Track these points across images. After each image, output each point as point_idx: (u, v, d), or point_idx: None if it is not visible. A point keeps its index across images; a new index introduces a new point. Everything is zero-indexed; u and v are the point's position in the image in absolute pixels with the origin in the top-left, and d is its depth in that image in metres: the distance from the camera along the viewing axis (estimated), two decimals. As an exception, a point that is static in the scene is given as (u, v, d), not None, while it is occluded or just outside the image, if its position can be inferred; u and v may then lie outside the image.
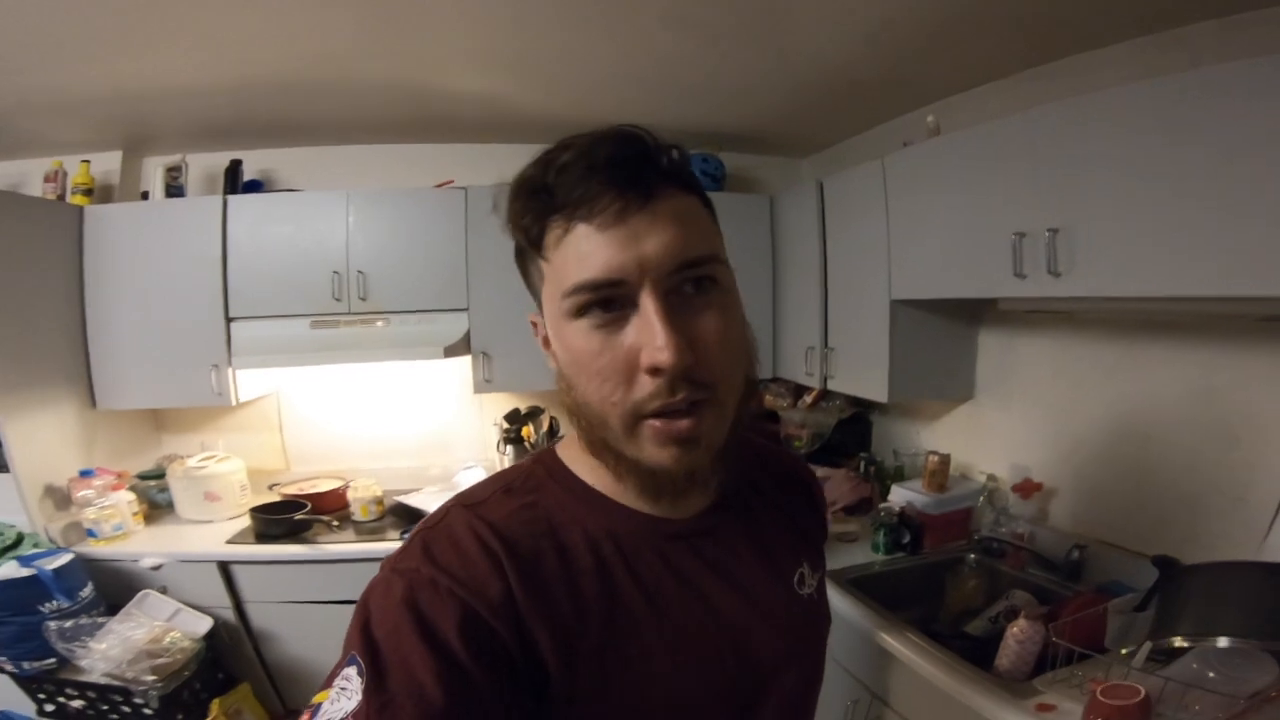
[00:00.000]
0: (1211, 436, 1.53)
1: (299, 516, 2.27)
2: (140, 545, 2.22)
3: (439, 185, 2.49)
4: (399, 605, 0.50)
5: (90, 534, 2.16)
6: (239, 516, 2.41)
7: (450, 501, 0.60)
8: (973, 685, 1.33)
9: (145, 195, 2.51)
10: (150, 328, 2.36)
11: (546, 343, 0.60)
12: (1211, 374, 1.53)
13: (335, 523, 2.32)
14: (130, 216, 2.38)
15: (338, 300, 2.40)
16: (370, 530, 2.34)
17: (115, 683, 1.84)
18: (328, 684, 0.50)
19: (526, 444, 2.63)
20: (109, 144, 2.47)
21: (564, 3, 1.58)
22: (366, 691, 0.46)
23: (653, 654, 0.56)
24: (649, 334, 0.49)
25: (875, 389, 2.10)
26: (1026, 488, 1.91)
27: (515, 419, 2.65)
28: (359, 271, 2.40)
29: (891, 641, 1.54)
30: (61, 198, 2.42)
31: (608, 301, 0.50)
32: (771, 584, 0.66)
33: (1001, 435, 2.09)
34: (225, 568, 2.17)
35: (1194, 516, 1.57)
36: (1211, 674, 1.14)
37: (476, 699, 0.48)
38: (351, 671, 0.48)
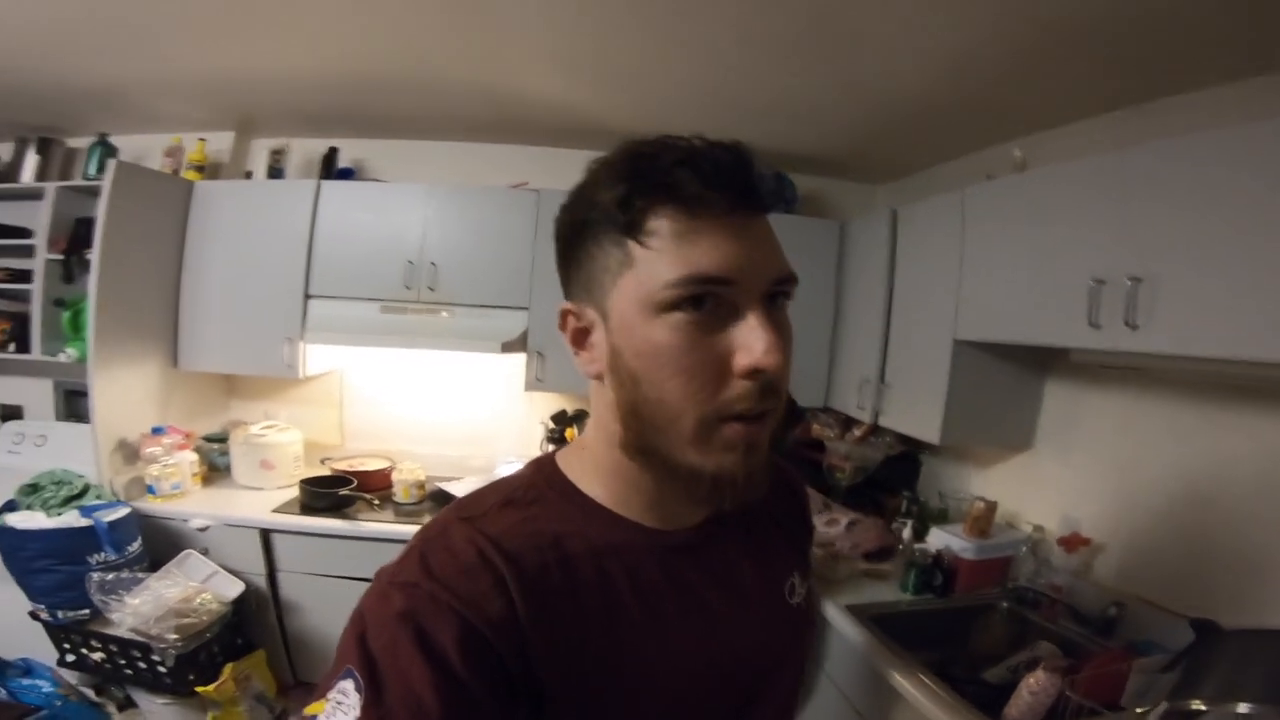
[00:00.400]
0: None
1: (344, 492, 2.36)
2: (193, 505, 2.33)
3: (513, 186, 2.58)
4: (397, 619, 0.49)
5: (150, 490, 2.29)
6: (289, 486, 2.50)
7: (449, 513, 0.59)
8: None
9: (249, 174, 2.69)
10: (235, 297, 2.51)
11: (578, 338, 0.59)
12: (1291, 442, 1.45)
13: (376, 502, 2.40)
14: (233, 193, 2.55)
15: (408, 288, 2.51)
16: (409, 512, 2.41)
17: (138, 638, 1.90)
18: (321, 695, 0.49)
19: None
20: (223, 124, 2.65)
21: (642, 14, 1.62)
22: (365, 706, 0.46)
23: (652, 664, 0.57)
24: (753, 337, 0.50)
25: (927, 429, 2.06)
26: (1072, 541, 1.84)
27: (562, 420, 2.70)
28: (431, 263, 2.50)
29: (900, 680, 1.50)
30: (176, 172, 2.61)
31: (700, 299, 0.51)
32: (767, 594, 0.67)
33: (1056, 487, 2.01)
34: (266, 535, 2.26)
35: (1244, 581, 1.49)
36: None
37: (475, 714, 0.48)
38: (348, 685, 0.47)
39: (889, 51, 1.66)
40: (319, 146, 2.72)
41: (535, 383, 2.55)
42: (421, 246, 2.51)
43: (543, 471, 0.63)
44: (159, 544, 2.21)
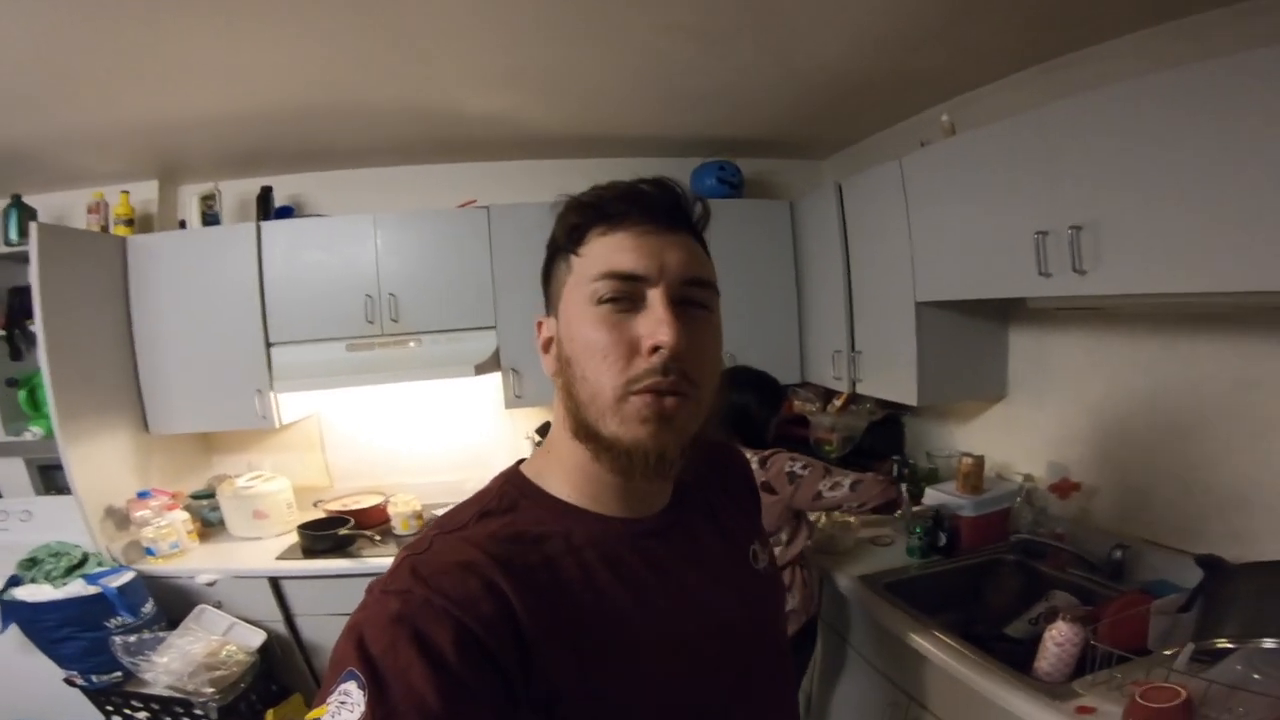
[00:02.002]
0: (1255, 430, 1.49)
1: (343, 532, 2.35)
2: (196, 562, 2.32)
3: (461, 205, 2.55)
4: (393, 623, 0.51)
5: (149, 552, 2.27)
6: (287, 533, 2.50)
7: (431, 530, 0.62)
8: (1010, 688, 1.32)
9: (183, 224, 2.62)
10: (194, 354, 2.45)
11: (545, 345, 0.68)
12: (1253, 365, 1.48)
13: (377, 537, 2.40)
14: (170, 245, 2.47)
15: (370, 323, 2.48)
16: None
17: (177, 694, 1.93)
18: (321, 701, 0.51)
19: (558, 455, 2.67)
20: (145, 174, 2.56)
21: (551, 20, 1.60)
22: (369, 704, 0.48)
23: (642, 643, 0.61)
24: (655, 320, 0.59)
25: (904, 391, 2.08)
26: (1064, 487, 1.87)
27: (547, 431, 2.69)
28: (390, 294, 2.47)
29: (926, 645, 1.53)
30: (105, 228, 2.52)
31: (622, 298, 0.60)
32: (733, 565, 0.74)
33: (1037, 434, 2.04)
34: (275, 583, 2.25)
35: (1237, 513, 1.52)
36: (1256, 675, 1.12)
37: (475, 710, 0.50)
38: (350, 686, 0.49)
39: (816, 31, 1.66)
40: (251, 186, 2.64)
41: (515, 400, 2.54)
42: (377, 278, 2.47)
43: (511, 481, 0.68)
44: (171, 602, 2.20)
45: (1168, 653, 1.25)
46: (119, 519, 2.32)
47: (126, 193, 2.55)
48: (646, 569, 0.64)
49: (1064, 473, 1.91)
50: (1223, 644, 1.18)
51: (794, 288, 2.61)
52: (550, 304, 0.68)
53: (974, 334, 2.07)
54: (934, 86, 2.06)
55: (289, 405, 2.57)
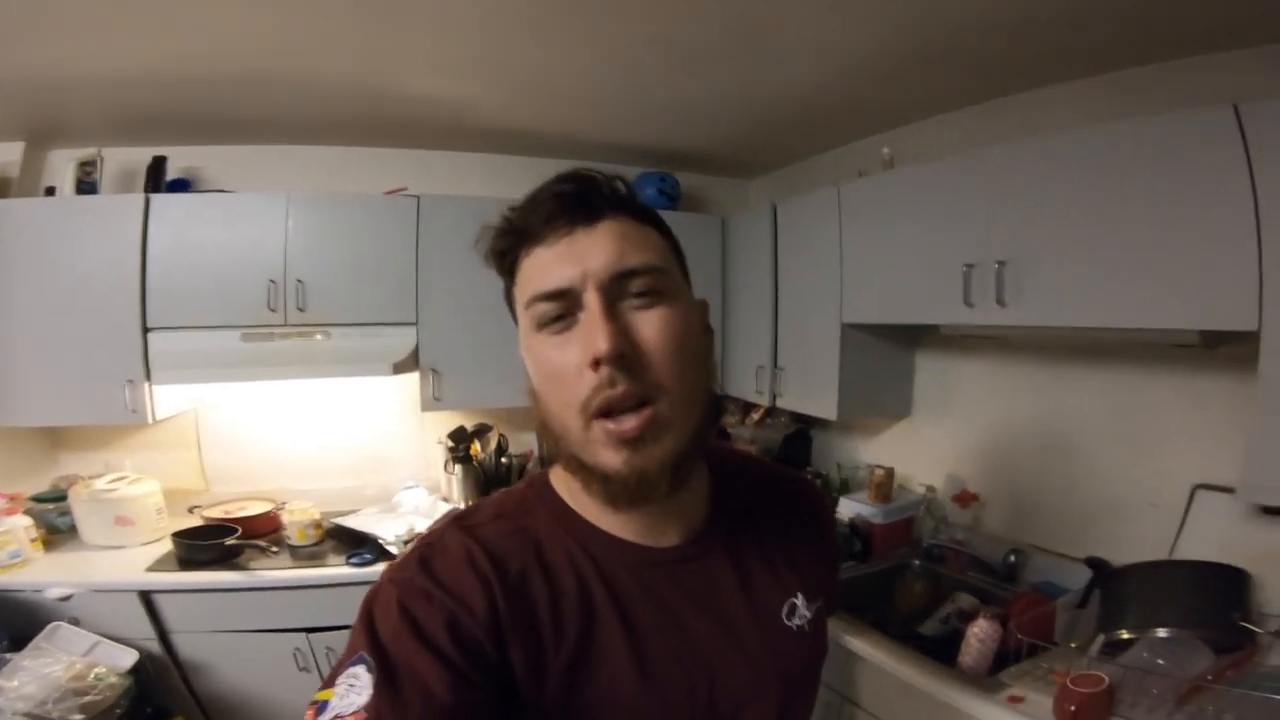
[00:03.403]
0: (1128, 449, 1.72)
1: (230, 542, 2.10)
2: (41, 574, 1.99)
3: (389, 192, 2.39)
4: (397, 612, 0.54)
5: (-18, 562, 1.91)
6: (155, 542, 2.20)
7: (447, 520, 0.65)
8: (947, 682, 1.43)
9: (51, 191, 2.26)
10: (52, 338, 2.12)
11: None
12: (1129, 393, 1.72)
13: (274, 549, 2.16)
14: (36, 213, 2.14)
15: (273, 311, 2.25)
16: (309, 555, 2.19)
17: None
18: (329, 683, 0.53)
19: (475, 462, 2.56)
20: (9, 134, 2.22)
21: (543, 17, 1.57)
22: (376, 687, 0.50)
23: (622, 678, 0.59)
24: (589, 330, 0.54)
25: (824, 407, 2.20)
26: (965, 498, 2.06)
27: (461, 437, 2.57)
28: (298, 280, 2.26)
29: (862, 645, 1.62)
30: None
31: (559, 317, 0.56)
32: (751, 616, 0.66)
33: (937, 449, 2.24)
34: (147, 597, 1.97)
35: (1114, 521, 1.74)
36: (1160, 660, 1.28)
37: (473, 698, 0.52)
38: (360, 670, 0.51)
39: (787, 55, 1.72)
40: (138, 156, 2.33)
41: (433, 402, 2.41)
42: (284, 263, 2.25)
43: (534, 487, 0.67)
44: (12, 621, 1.87)
45: (1075, 645, 1.42)
46: (-59, 526, 1.94)
47: (-17, 153, 2.17)
48: (645, 599, 0.62)
49: (961, 485, 2.11)
50: (1126, 635, 1.36)
51: (720, 302, 2.69)
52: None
53: (887, 356, 2.24)
54: (876, 118, 2.19)
55: (163, 399, 2.26)
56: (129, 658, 1.87)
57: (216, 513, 2.31)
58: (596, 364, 0.53)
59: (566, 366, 0.55)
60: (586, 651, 0.59)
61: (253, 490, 2.52)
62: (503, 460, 2.67)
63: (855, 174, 2.16)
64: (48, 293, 2.12)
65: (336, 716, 0.50)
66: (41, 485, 2.34)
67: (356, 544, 2.21)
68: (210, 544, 2.08)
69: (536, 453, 2.81)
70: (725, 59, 1.77)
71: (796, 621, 0.69)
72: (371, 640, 0.53)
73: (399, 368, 2.29)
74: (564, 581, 0.60)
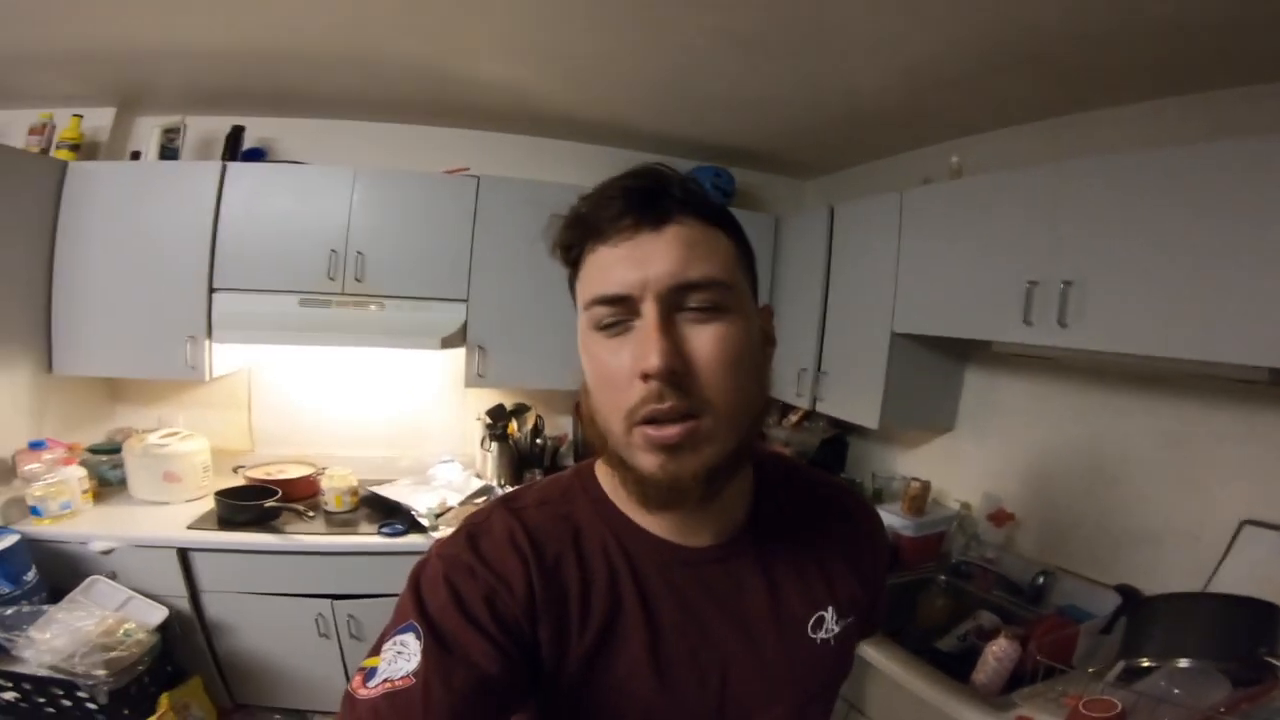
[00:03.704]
0: (1175, 479, 1.69)
1: (269, 504, 2.16)
2: (89, 526, 2.05)
3: (450, 171, 2.44)
4: (443, 584, 0.57)
5: (35, 511, 1.99)
6: (199, 499, 2.27)
7: (496, 502, 0.67)
8: (957, 698, 1.43)
9: (136, 155, 2.36)
10: (122, 292, 2.22)
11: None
12: (1183, 425, 1.68)
13: (310, 513, 2.22)
14: (120, 176, 2.24)
15: (331, 279, 2.32)
16: (343, 522, 2.25)
17: (58, 675, 1.69)
18: (375, 652, 0.56)
19: (510, 441, 2.60)
20: (103, 99, 2.32)
21: (603, 3, 1.58)
22: (425, 653, 0.53)
23: (637, 670, 0.61)
24: (642, 342, 0.54)
25: (866, 415, 2.19)
26: (1000, 517, 2.04)
27: (500, 415, 2.61)
28: (358, 252, 2.32)
29: (875, 654, 1.62)
30: (45, 151, 2.26)
31: (616, 321, 0.56)
32: (775, 624, 0.66)
33: (976, 466, 2.22)
34: (184, 554, 2.04)
35: (1152, 550, 1.71)
36: (1176, 690, 1.27)
37: (511, 671, 0.56)
38: (408, 638, 0.55)
39: (851, 53, 1.70)
40: (219, 125, 2.42)
41: (476, 379, 2.46)
42: (346, 234, 2.32)
43: (580, 476, 0.69)
44: (55, 571, 1.93)
45: (1093, 670, 1.41)
46: (3, 472, 2.05)
47: (80, 116, 2.30)
48: (670, 597, 0.63)
49: (998, 504, 2.09)
50: (1147, 663, 1.35)
51: (768, 299, 2.70)
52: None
53: (936, 368, 2.21)
54: (943, 125, 2.16)
55: (220, 359, 2.35)
56: (158, 614, 1.93)
57: (259, 474, 2.39)
58: (646, 377, 0.53)
59: (618, 372, 0.55)
60: (607, 640, 0.61)
61: (295, 454, 2.59)
62: (538, 441, 2.71)
63: (918, 181, 2.14)
64: (123, 251, 2.22)
65: (386, 680, 0.53)
66: (98, 436, 2.44)
67: (389, 514, 2.27)
68: (250, 504, 2.15)
69: (571, 436, 2.85)
70: (786, 53, 1.75)
71: (822, 635, 0.69)
72: (420, 610, 0.56)
73: (447, 342, 2.34)
74: (596, 570, 0.62)
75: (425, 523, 2.19)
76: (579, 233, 0.58)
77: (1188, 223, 1.38)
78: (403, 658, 0.54)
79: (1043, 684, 1.42)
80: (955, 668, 1.57)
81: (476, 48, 1.89)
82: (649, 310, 0.54)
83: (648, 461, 0.56)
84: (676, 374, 0.53)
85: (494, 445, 2.57)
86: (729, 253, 0.59)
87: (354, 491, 2.33)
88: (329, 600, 2.11)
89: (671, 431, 0.54)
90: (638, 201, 0.56)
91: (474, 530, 0.63)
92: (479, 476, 2.58)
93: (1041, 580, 1.87)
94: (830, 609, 0.69)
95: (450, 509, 2.28)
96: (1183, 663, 1.30)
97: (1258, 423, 1.56)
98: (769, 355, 0.64)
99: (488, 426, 2.61)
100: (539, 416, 2.72)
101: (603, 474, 0.67)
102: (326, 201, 2.31)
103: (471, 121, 2.58)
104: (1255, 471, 1.55)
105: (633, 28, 1.68)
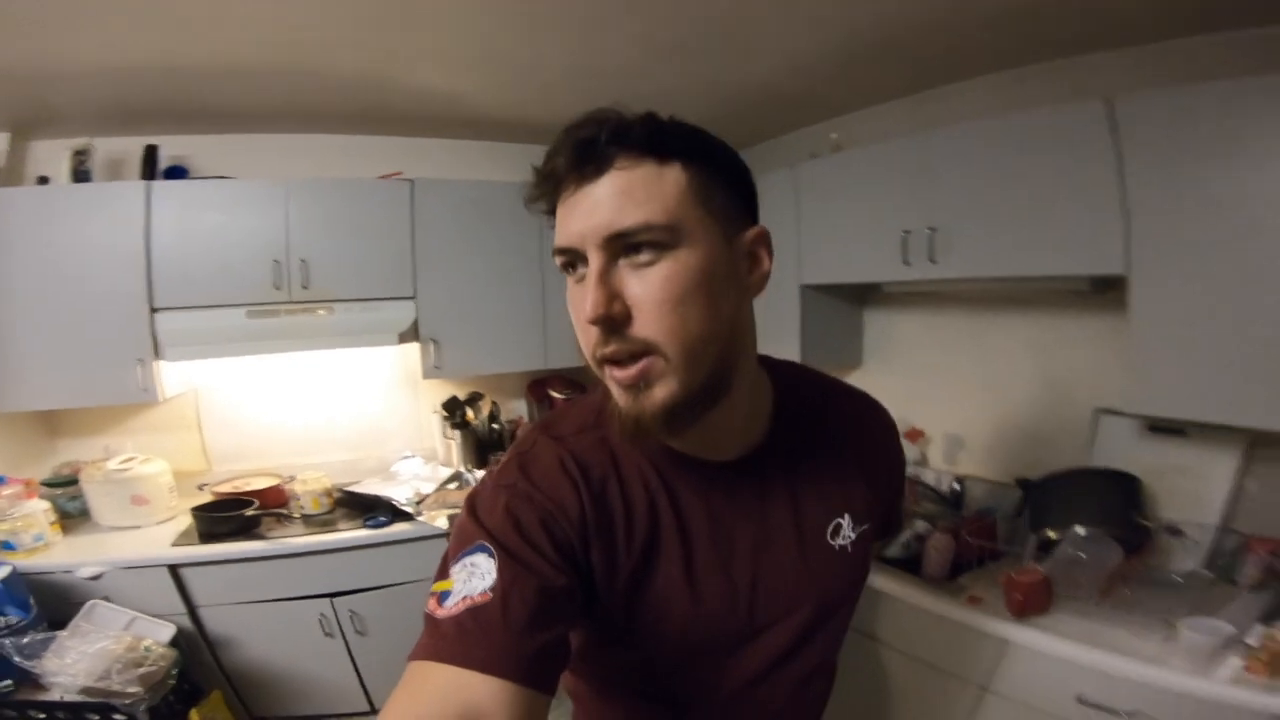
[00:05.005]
0: (1042, 383, 2.10)
1: (249, 513, 2.22)
2: (67, 555, 2.06)
3: (384, 176, 2.53)
4: (504, 511, 0.60)
5: (7, 546, 1.98)
6: (170, 519, 2.30)
7: (537, 430, 0.70)
8: (918, 587, 1.77)
9: (44, 180, 2.29)
10: (56, 321, 2.18)
11: None
12: (1040, 333, 2.10)
13: (296, 514, 2.30)
14: (29, 202, 2.18)
15: (278, 289, 2.38)
16: (322, 522, 2.32)
17: (92, 699, 1.71)
18: (444, 575, 0.59)
19: (473, 426, 2.75)
20: None
21: (543, 15, 1.72)
22: (500, 569, 0.56)
23: (674, 584, 0.65)
24: (585, 291, 0.57)
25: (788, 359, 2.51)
26: (912, 434, 2.41)
27: (454, 406, 2.74)
28: (301, 260, 2.39)
29: None
30: None
31: (575, 268, 0.59)
32: (797, 532, 0.70)
33: (884, 394, 2.53)
34: (175, 571, 2.07)
35: (1038, 446, 2.10)
36: (1082, 555, 1.60)
37: (570, 589, 0.60)
38: (478, 557, 0.57)
39: (752, 53, 1.97)
40: (126, 145, 2.39)
41: (434, 370, 2.59)
42: (287, 244, 2.38)
43: (608, 399, 0.68)
44: (45, 603, 1.92)
45: (1014, 551, 1.77)
46: (-39, 512, 1.99)
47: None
48: (701, 508, 0.67)
49: (909, 424, 2.47)
50: (1052, 535, 1.71)
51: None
52: None
53: (839, 313, 2.57)
54: (825, 106, 2.49)
55: (169, 379, 2.36)
56: (167, 631, 1.97)
57: (226, 489, 2.42)
58: (592, 321, 0.56)
59: (580, 316, 0.58)
60: (649, 559, 0.65)
61: (256, 467, 2.62)
62: (494, 426, 2.86)
63: (806, 156, 2.46)
64: (49, 279, 2.17)
65: (465, 598, 0.55)
66: (43, 472, 2.38)
67: (367, 510, 2.36)
68: (232, 515, 2.19)
69: (526, 417, 3.03)
70: (699, 55, 1.99)
71: (840, 541, 0.72)
72: (486, 533, 0.59)
73: (404, 337, 2.46)
74: (635, 492, 0.65)
75: (409, 510, 2.31)
76: (544, 189, 0.60)
77: (1019, 173, 1.77)
78: (476, 576, 0.56)
79: (979, 570, 1.78)
80: (906, 568, 1.87)
81: (417, 59, 1.99)
82: (590, 259, 0.56)
83: (620, 397, 0.60)
84: (615, 319, 0.56)
85: (457, 434, 2.71)
86: (676, 188, 0.56)
87: (329, 492, 2.41)
88: (328, 599, 2.19)
89: (627, 373, 0.57)
90: (577, 153, 0.56)
91: (524, 460, 0.65)
92: (445, 466, 2.71)
93: (958, 486, 2.23)
94: (846, 516, 0.73)
95: (427, 496, 2.41)
96: (1080, 530, 1.66)
97: (1090, 326, 1.98)
98: (752, 281, 0.64)
99: (445, 418, 2.74)
100: (494, 402, 2.87)
101: None
102: (262, 214, 2.35)
103: (405, 129, 2.67)
104: (1097, 367, 1.96)
105: (567, 36, 1.85)
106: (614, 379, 0.59)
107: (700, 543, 0.66)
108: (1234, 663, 1.29)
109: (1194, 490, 1.73)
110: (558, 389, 2.87)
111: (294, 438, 2.75)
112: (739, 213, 0.63)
